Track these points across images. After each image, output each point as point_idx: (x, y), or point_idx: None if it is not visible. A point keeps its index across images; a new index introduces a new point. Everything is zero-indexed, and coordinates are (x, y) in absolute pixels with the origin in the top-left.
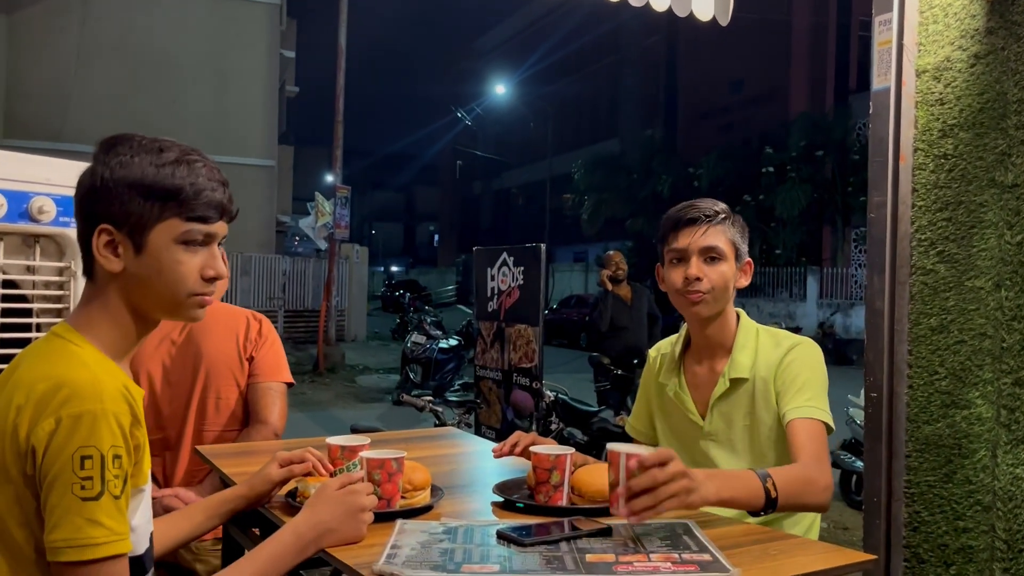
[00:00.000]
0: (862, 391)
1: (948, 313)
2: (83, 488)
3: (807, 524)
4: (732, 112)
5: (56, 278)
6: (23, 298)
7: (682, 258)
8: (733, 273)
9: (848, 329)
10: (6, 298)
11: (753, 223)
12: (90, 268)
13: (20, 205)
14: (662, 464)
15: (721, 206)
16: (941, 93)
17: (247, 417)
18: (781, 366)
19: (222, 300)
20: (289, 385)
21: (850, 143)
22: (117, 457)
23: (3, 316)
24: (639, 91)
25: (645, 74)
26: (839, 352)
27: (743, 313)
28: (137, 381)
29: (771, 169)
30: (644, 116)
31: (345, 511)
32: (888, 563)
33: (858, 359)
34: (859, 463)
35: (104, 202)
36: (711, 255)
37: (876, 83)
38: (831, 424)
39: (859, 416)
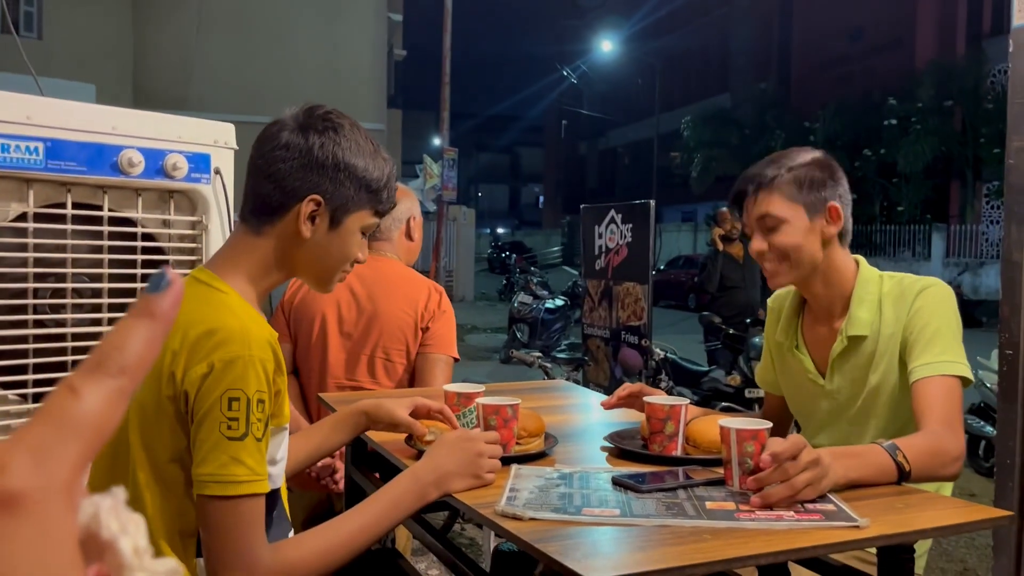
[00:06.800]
0: (993, 353)
1: None
2: (229, 428)
3: (934, 486)
4: (851, 62)
5: (189, 232)
6: (159, 250)
7: (750, 232)
8: (803, 231)
9: (977, 290)
10: (145, 250)
11: (873, 178)
12: (256, 220)
13: (156, 162)
14: (794, 456)
15: (773, 165)
16: None
17: (411, 385)
18: (908, 316)
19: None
20: (455, 360)
21: (983, 92)
22: (261, 402)
23: (143, 267)
24: (751, 43)
25: (758, 25)
26: (967, 314)
27: (863, 261)
28: (310, 321)
29: (893, 122)
30: (757, 69)
31: (462, 455)
32: (1021, 526)
33: (988, 321)
34: (988, 428)
35: (323, 176)
36: (766, 223)
37: (1017, 19)
38: (969, 375)
39: (989, 379)
